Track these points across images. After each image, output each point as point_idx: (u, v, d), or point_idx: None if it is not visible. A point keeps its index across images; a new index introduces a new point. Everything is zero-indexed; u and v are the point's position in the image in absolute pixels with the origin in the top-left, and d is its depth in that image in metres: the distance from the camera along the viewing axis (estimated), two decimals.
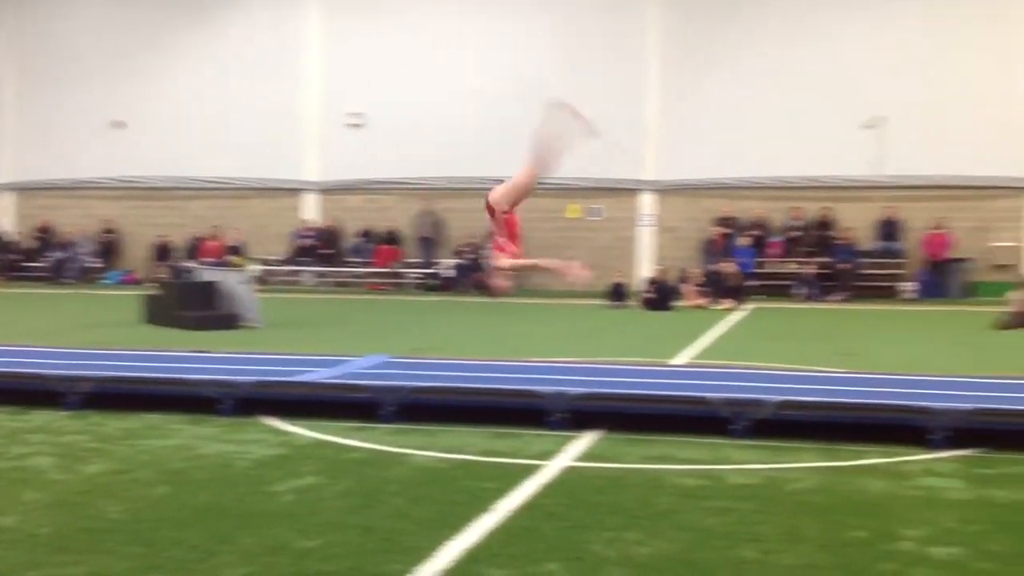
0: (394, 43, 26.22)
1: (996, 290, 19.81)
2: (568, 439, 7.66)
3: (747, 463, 6.98)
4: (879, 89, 23.15)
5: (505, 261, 8.17)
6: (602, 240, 25.06)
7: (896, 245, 23.48)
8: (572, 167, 24.76)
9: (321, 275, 26.07)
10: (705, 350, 13.32)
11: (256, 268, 25.29)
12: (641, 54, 24.86)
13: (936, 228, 22.94)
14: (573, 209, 25.45)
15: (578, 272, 8.35)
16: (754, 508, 5.91)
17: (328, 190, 26.90)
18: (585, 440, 7.68)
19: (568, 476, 6.73)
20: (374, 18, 26.44)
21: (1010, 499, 6.10)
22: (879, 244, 23.58)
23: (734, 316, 18.41)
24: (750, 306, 20.14)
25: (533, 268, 8.23)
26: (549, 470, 6.79)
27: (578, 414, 8.01)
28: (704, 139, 24.12)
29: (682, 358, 12.31)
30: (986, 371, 10.45)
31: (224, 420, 8.23)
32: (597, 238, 25.14)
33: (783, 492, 6.29)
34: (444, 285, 24.68)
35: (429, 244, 25.58)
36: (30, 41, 28.33)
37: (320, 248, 26.29)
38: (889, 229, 23.57)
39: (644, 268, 24.44)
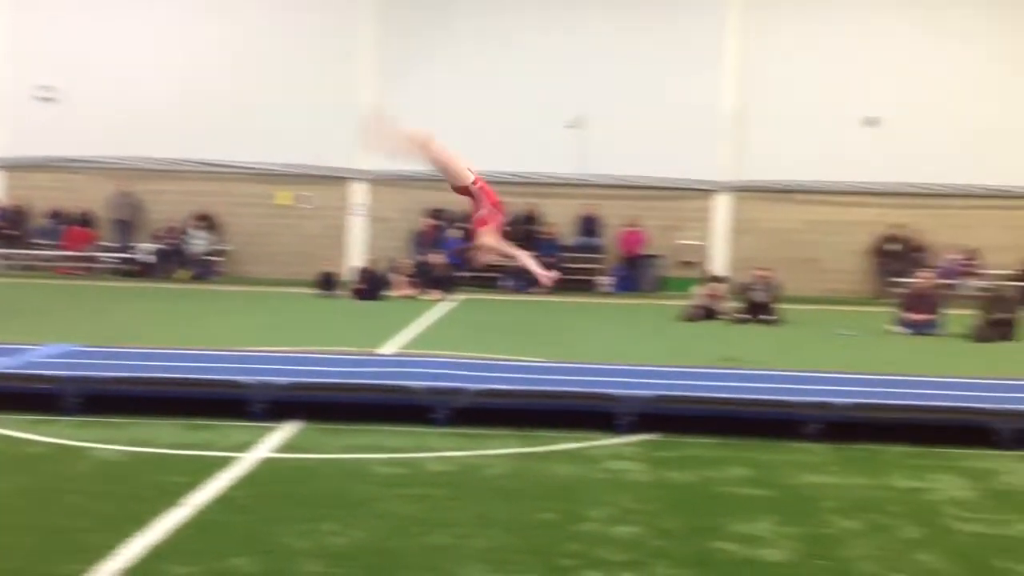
0: (95, 13, 24.69)
1: (683, 285, 21.19)
2: (268, 430, 7.49)
3: (446, 450, 7.09)
4: (581, 90, 24.15)
5: (491, 241, 7.85)
6: (313, 228, 24.69)
7: (596, 241, 24.59)
8: (284, 154, 24.61)
9: (6, 258, 24.17)
10: (412, 340, 13.41)
11: None
12: (355, 38, 24.71)
13: (631, 226, 24.24)
14: (284, 196, 24.94)
15: (547, 279, 8.27)
16: (449, 495, 6.01)
17: (13, 167, 24.99)
18: (285, 431, 7.53)
19: (265, 468, 6.59)
20: None
21: (685, 480, 6.52)
22: (580, 240, 24.62)
23: (442, 307, 18.68)
24: (459, 297, 20.50)
25: (512, 258, 7.98)
26: (245, 462, 6.61)
27: (280, 404, 7.85)
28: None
29: (389, 348, 12.34)
30: (671, 361, 11.15)
31: None
32: (307, 226, 24.74)
33: (477, 478, 6.44)
34: (142, 271, 23.50)
35: (126, 227, 24.27)
36: None
37: (4, 229, 24.36)
38: (589, 225, 24.66)
39: (355, 258, 24.32)
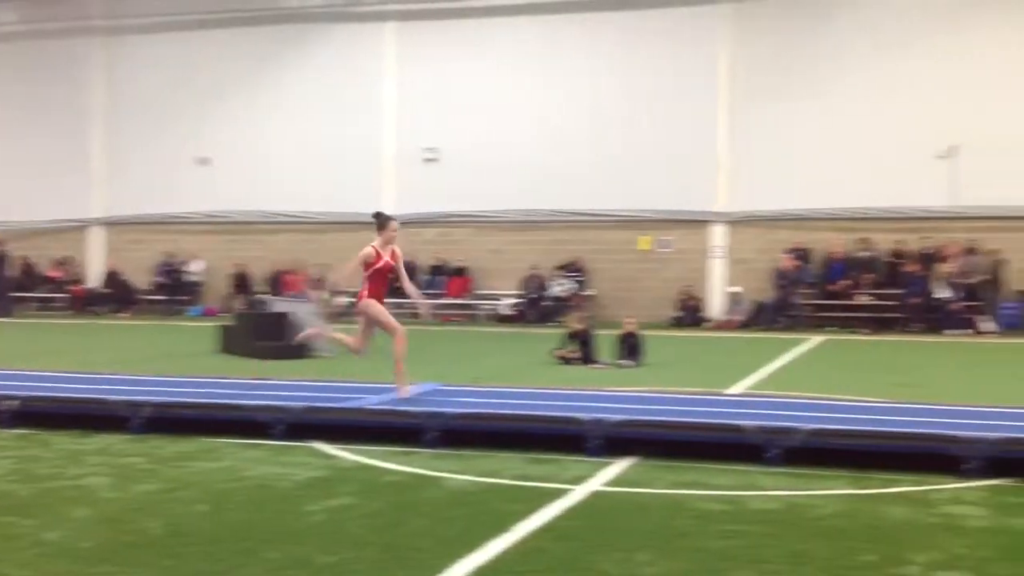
0: (470, 76, 26.74)
1: None
2: (603, 465, 7.82)
3: (773, 489, 7.07)
4: (954, 118, 22.91)
5: None
6: (674, 272, 25.12)
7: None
8: (646, 200, 25.21)
9: (398, 307, 26.56)
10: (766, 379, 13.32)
11: (340, 300, 25.89)
12: (711, 91, 24.97)
13: None
14: (644, 241, 25.59)
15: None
16: (768, 532, 6.01)
17: (405, 223, 27.50)
18: (619, 466, 7.83)
19: (594, 500, 6.90)
20: (448, 56, 27.01)
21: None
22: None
23: (803, 346, 18.35)
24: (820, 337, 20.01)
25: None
26: (577, 494, 6.97)
27: (614, 440, 8.17)
28: (778, 170, 24.11)
29: (740, 387, 12.35)
30: None
31: (275, 444, 8.59)
32: (668, 269, 25.22)
33: (801, 517, 6.38)
34: (514, 317, 24.99)
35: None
36: (118, 77, 29.51)
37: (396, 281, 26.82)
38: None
39: (716, 298, 24.57)
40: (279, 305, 17.42)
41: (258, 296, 19.62)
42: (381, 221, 9.93)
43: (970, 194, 23.12)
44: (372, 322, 9.87)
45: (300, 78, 28.06)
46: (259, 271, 27.32)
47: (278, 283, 26.10)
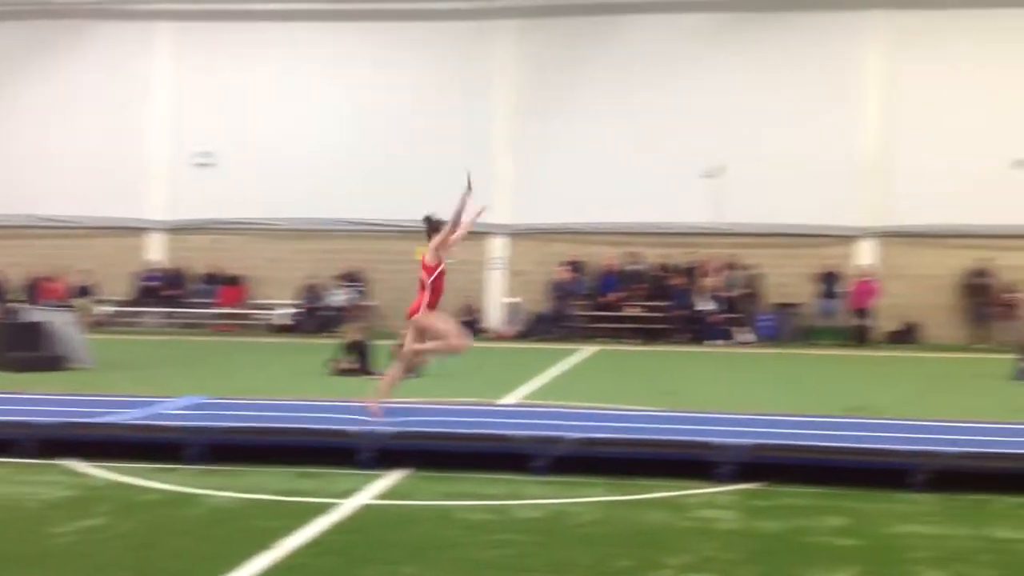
0: (250, 83, 26.10)
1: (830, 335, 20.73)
2: (374, 478, 7.74)
3: (539, 498, 7.19)
4: (717, 139, 24.12)
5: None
6: (454, 282, 25.31)
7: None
8: (425, 210, 25.27)
9: (166, 316, 25.57)
10: (539, 390, 13.56)
11: (103, 309, 24.67)
12: (490, 97, 25.34)
13: (864, 276, 23.67)
14: (422, 251, 25.62)
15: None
16: (533, 541, 6.10)
17: (173, 230, 26.53)
18: (391, 479, 7.77)
19: (363, 514, 6.82)
20: (226, 60, 26.28)
21: (774, 529, 6.43)
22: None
23: (576, 356, 18.85)
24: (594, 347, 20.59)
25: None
26: (345, 508, 6.86)
27: (387, 453, 8.10)
28: (556, 185, 24.71)
29: (513, 398, 12.53)
30: (801, 410, 10.92)
31: (22, 462, 8.05)
32: (448, 280, 25.37)
33: (564, 525, 6.51)
34: (291, 327, 24.51)
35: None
36: None
37: (165, 289, 25.79)
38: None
39: (494, 309, 24.93)
40: (34, 314, 16.40)
41: (11, 304, 18.39)
42: (433, 225, 9.29)
43: (732, 212, 24.39)
44: (429, 332, 9.22)
45: (65, 78, 26.66)
46: (16, 278, 25.67)
47: (35, 291, 24.61)
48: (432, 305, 9.12)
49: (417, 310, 9.11)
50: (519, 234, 25.45)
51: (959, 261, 23.56)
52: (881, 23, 24.41)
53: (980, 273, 23.23)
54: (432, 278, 9.11)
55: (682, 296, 23.79)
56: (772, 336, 23.44)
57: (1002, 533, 6.30)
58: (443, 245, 9.17)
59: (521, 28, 25.67)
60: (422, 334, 9.24)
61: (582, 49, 25.40)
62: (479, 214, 9.56)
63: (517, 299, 25.01)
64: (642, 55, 25.03)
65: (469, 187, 9.09)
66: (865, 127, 24.36)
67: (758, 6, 24.99)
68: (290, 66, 26.13)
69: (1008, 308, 22.74)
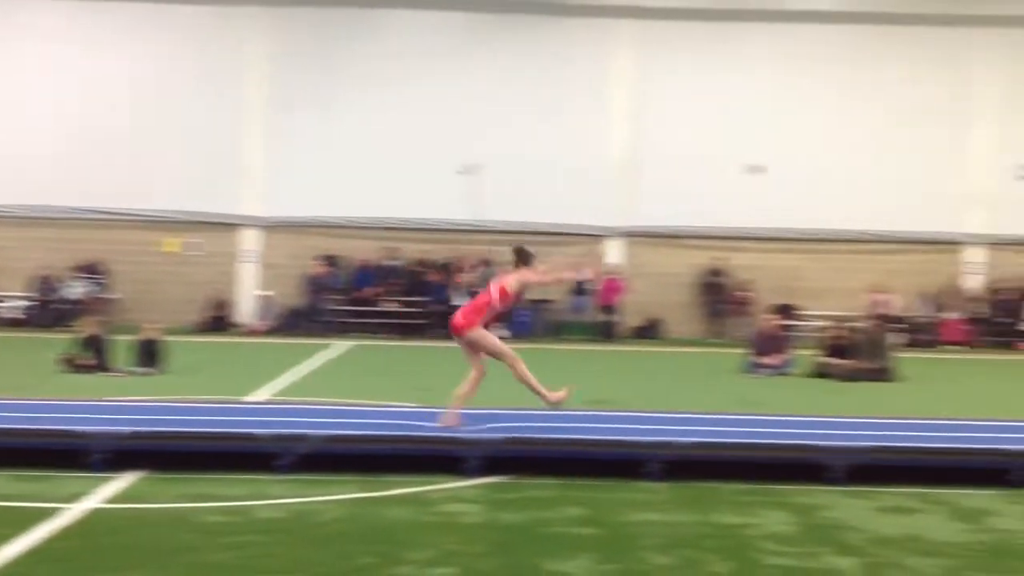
0: None
1: (581, 330, 21.29)
2: (104, 481, 7.34)
3: (282, 498, 7.02)
4: (472, 136, 24.37)
5: None
6: (203, 275, 24.41)
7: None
8: (172, 200, 24.31)
9: None
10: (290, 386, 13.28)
11: None
12: (242, 84, 24.65)
13: (612, 274, 24.39)
14: (172, 243, 24.62)
15: None
16: (273, 541, 5.95)
17: None
18: (123, 481, 7.38)
19: (91, 519, 6.46)
20: None
21: (516, 521, 6.54)
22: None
23: (330, 351, 18.60)
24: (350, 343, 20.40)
25: None
26: (72, 513, 6.47)
27: (121, 454, 7.69)
28: (311, 177, 24.31)
29: (263, 394, 12.20)
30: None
31: None
32: (197, 273, 24.45)
33: (306, 524, 6.38)
34: (23, 320, 22.97)
35: None
36: None
37: None
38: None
39: (246, 302, 24.24)
40: None
41: None
42: (522, 257, 9.12)
43: (489, 210, 24.71)
44: (483, 350, 8.97)
45: None
46: None
47: None
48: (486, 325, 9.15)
49: (469, 327, 8.96)
50: (272, 227, 24.85)
51: (698, 260, 24.87)
52: (630, 32, 25.33)
53: (716, 272, 24.55)
54: (503, 307, 9.11)
55: (439, 292, 23.90)
56: (527, 332, 23.94)
57: (727, 519, 6.66)
58: (530, 283, 9.23)
59: (272, 16, 25.05)
60: (476, 349, 9.11)
61: (336, 41, 25.03)
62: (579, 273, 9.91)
63: (270, 293, 24.41)
64: (398, 50, 24.94)
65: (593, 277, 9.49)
66: (614, 131, 25.26)
67: (514, 8, 25.45)
68: (33, 42, 24.46)
69: (741, 305, 24.14)
